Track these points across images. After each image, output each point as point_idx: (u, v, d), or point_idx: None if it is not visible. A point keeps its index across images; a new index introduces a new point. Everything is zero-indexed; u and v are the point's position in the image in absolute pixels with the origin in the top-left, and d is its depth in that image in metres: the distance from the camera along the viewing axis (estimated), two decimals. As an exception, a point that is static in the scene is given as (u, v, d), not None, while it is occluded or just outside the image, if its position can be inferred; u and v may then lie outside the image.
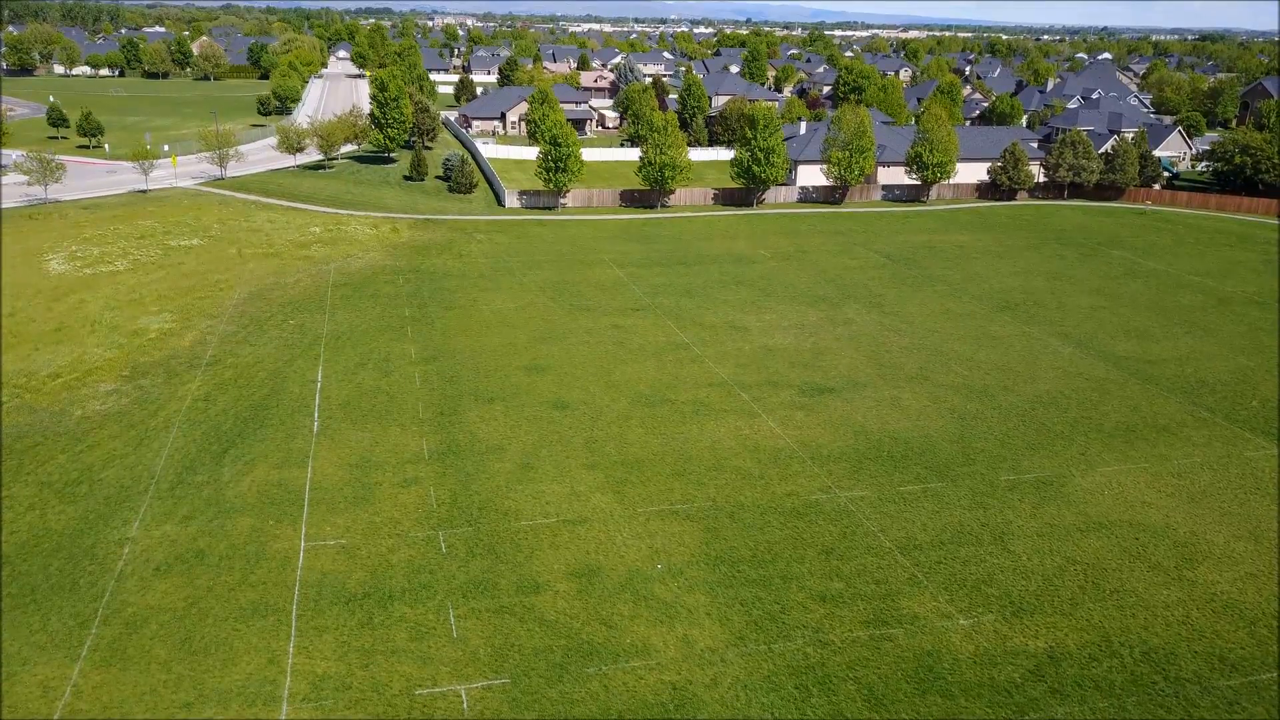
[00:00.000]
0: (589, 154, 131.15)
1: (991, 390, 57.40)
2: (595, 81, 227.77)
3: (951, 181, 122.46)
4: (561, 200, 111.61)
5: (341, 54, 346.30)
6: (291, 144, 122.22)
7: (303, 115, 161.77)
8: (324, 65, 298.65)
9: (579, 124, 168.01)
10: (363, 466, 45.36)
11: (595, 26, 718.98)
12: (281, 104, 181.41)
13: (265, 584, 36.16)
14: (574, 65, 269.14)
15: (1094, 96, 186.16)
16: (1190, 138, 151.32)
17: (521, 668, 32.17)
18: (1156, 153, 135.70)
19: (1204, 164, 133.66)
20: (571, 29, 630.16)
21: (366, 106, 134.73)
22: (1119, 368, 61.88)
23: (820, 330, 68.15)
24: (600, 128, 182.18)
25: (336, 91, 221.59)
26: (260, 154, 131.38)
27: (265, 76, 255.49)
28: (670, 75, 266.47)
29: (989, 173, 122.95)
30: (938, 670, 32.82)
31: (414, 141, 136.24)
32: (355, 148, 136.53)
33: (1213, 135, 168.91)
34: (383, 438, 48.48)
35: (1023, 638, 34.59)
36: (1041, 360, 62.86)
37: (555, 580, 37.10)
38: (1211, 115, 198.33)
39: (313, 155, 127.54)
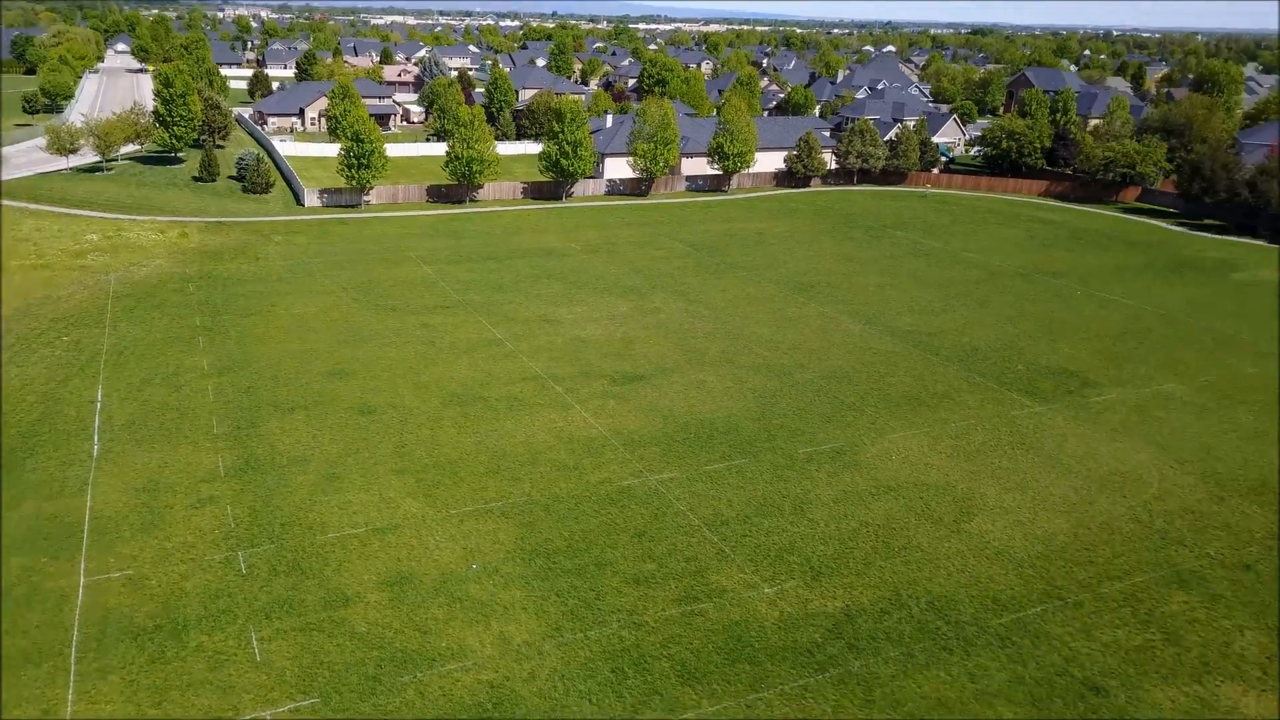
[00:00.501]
0: (394, 150, 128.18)
1: (789, 369, 60.23)
2: (399, 76, 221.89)
3: (751, 171, 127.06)
4: (365, 198, 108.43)
5: (121, 47, 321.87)
6: (63, 145, 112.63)
7: (76, 113, 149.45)
8: (100, 59, 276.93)
9: (383, 119, 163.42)
10: (151, 490, 42.67)
11: (398, 19, 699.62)
12: (51, 101, 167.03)
13: (39, 628, 33.43)
14: (376, 59, 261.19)
15: (879, 87, 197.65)
16: (964, 125, 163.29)
17: (332, 685, 31.27)
18: (935, 139, 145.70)
19: (976, 149, 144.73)
20: (373, 21, 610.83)
21: (150, 103, 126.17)
22: (903, 341, 66.29)
23: (630, 320, 69.39)
24: (405, 123, 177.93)
25: (115, 87, 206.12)
26: (27, 156, 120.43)
27: (32, 71, 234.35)
28: (476, 69, 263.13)
29: (785, 161, 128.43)
30: (746, 639, 34.28)
31: (204, 140, 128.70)
32: (138, 148, 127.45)
33: (983, 122, 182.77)
34: (173, 457, 45.76)
35: (822, 600, 36.63)
36: (834, 338, 66.48)
37: (366, 591, 36.23)
38: (982, 103, 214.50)
39: (88, 157, 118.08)
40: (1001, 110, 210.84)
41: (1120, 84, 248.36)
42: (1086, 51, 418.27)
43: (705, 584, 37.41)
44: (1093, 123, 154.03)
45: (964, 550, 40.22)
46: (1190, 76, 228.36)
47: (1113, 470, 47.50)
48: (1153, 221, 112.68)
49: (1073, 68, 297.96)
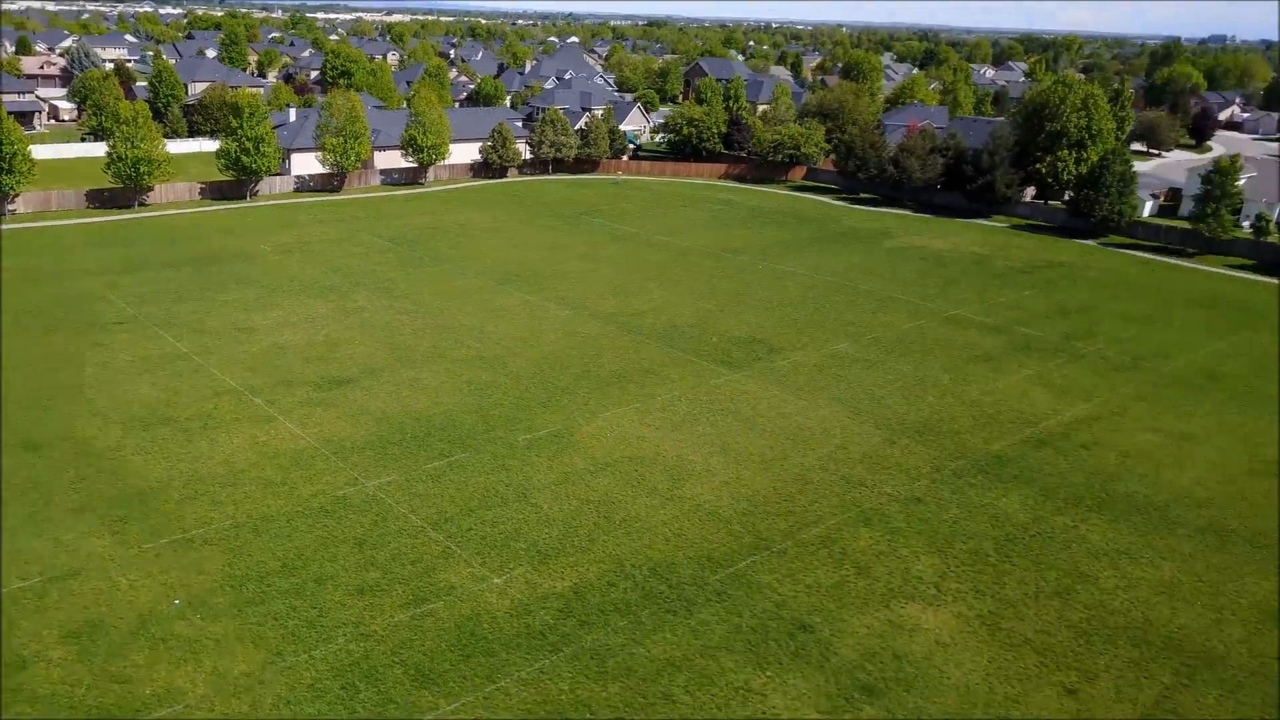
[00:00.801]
0: (41, 151, 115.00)
1: (502, 358, 60.51)
2: (42, 68, 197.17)
3: (447, 162, 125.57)
4: (10, 207, 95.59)
5: None
6: None
7: None
8: None
9: (25, 117, 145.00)
10: None
11: (35, 4, 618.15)
12: None
13: None
14: (12, 49, 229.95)
15: (567, 77, 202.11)
16: (648, 112, 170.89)
17: (13, 756, 27.67)
18: (622, 127, 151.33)
19: (660, 136, 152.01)
20: (5, 6, 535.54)
21: None
22: (608, 323, 68.65)
23: (332, 322, 66.51)
24: (53, 121, 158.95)
25: None
26: None
27: None
28: (136, 60, 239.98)
29: (481, 152, 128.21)
30: (479, 632, 34.22)
31: None
32: None
33: (665, 110, 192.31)
34: None
35: (551, 581, 37.32)
36: (543, 325, 67.56)
37: (47, 648, 32.28)
38: (663, 92, 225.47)
39: None
40: (681, 98, 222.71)
41: (782, 72, 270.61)
42: (751, 43, 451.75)
43: (433, 584, 36.90)
44: (761, 108, 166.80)
45: (678, 515, 42.52)
46: (839, 65, 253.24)
47: (801, 426, 52.11)
48: (818, 198, 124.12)
49: (740, 57, 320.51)
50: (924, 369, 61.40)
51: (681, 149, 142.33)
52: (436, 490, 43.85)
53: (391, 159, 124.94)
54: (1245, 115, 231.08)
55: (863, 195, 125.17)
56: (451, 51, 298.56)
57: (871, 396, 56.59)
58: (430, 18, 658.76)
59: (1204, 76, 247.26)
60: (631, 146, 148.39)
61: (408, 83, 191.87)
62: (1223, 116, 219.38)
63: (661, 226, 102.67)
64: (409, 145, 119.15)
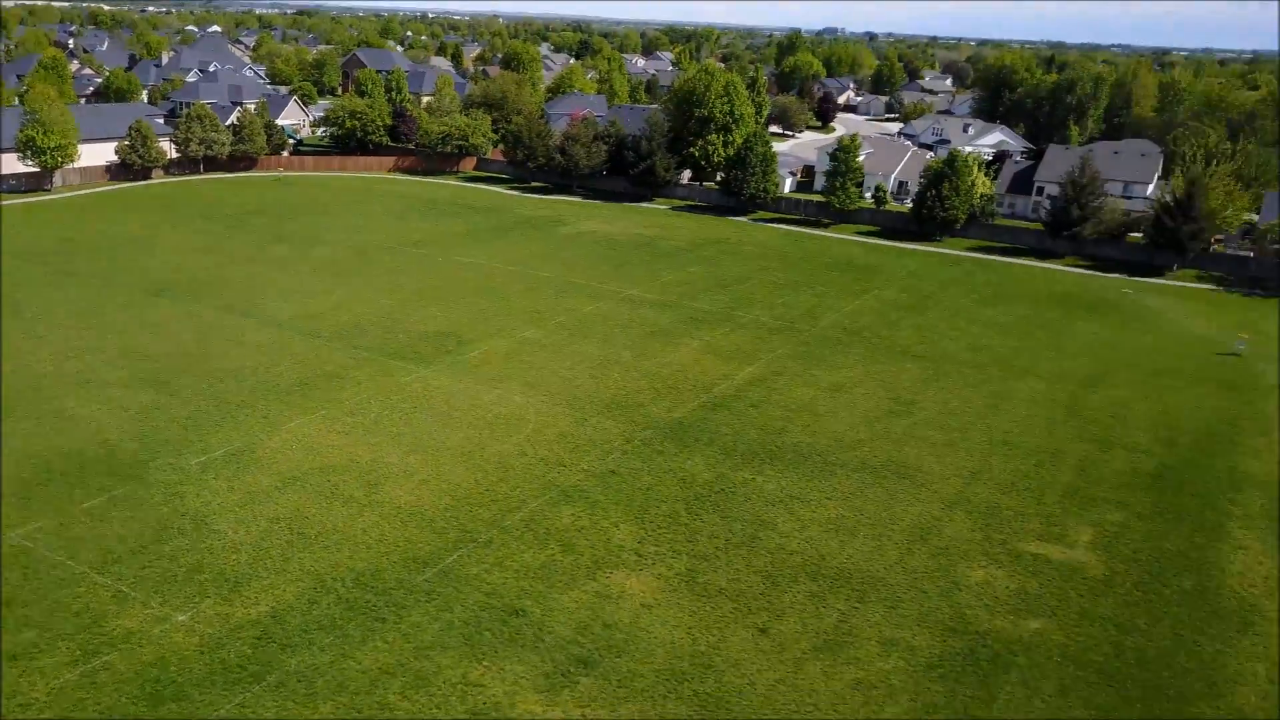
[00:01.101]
0: None
1: (165, 377, 55.20)
2: None
3: (77, 165, 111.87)
4: None
5: None
6: None
7: None
8: None
9: None
10: None
11: None
12: None
13: None
14: None
15: (211, 69, 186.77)
16: (306, 106, 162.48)
17: None
18: (280, 121, 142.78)
19: (323, 129, 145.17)
20: None
21: None
22: (285, 329, 64.76)
23: (-57, 355, 57.21)
24: None
25: None
26: None
27: None
28: None
29: (118, 153, 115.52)
30: (166, 677, 31.33)
31: None
32: None
33: (325, 103, 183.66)
34: None
35: (244, 610, 34.86)
36: (210, 336, 62.38)
37: None
38: (320, 84, 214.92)
39: None
40: (340, 90, 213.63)
41: (443, 63, 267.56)
42: (409, 33, 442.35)
43: (105, 633, 33.19)
44: (425, 100, 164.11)
45: (379, 520, 41.27)
46: (499, 55, 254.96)
47: (497, 415, 52.38)
48: (491, 188, 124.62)
49: (399, 48, 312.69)
50: (607, 348, 63.88)
51: (346, 143, 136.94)
52: (99, 531, 39.34)
53: (7, 163, 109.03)
54: (859, 99, 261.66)
55: (534, 184, 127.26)
56: (70, 41, 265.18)
57: (561, 379, 58.03)
58: (40, 3, 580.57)
59: (823, 65, 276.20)
60: (292, 141, 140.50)
61: (18, 76, 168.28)
62: (841, 100, 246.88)
63: (333, 223, 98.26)
64: (27, 147, 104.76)
